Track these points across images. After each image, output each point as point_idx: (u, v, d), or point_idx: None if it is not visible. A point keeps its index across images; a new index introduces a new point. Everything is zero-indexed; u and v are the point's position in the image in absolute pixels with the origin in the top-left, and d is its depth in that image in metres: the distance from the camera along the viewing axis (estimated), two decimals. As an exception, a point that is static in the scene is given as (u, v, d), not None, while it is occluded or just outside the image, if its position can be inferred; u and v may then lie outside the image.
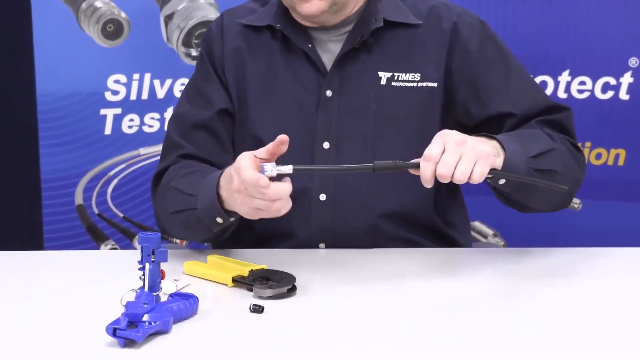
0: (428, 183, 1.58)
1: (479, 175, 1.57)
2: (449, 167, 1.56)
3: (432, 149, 1.57)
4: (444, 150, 1.57)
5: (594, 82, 2.60)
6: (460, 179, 1.56)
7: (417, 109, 1.87)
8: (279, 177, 1.56)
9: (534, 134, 1.80)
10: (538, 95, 1.92)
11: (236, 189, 1.59)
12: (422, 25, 1.89)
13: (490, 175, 1.63)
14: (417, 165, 1.58)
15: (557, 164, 1.76)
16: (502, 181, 1.68)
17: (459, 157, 1.57)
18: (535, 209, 1.83)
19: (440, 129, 1.62)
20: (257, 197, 1.56)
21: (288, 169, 1.55)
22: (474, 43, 1.89)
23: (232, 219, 1.72)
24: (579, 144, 1.91)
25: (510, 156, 1.66)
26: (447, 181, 1.57)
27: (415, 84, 1.87)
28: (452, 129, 1.61)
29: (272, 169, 1.54)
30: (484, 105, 1.88)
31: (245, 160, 1.56)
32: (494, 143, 1.67)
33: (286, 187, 1.56)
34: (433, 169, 1.56)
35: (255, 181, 1.53)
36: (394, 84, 1.87)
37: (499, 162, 1.64)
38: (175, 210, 1.82)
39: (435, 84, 1.88)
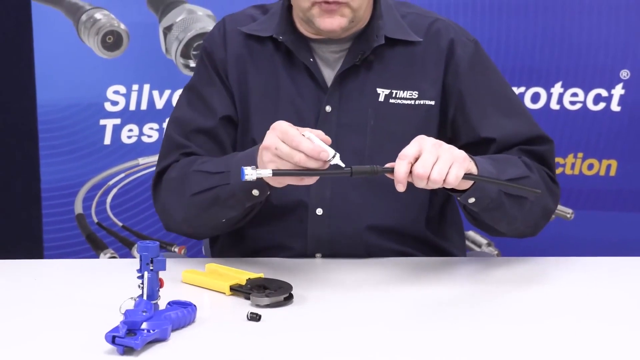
0: (401, 183, 1.56)
1: (455, 177, 1.57)
2: (426, 167, 1.55)
3: (408, 149, 1.58)
4: (420, 153, 1.57)
5: (586, 93, 2.60)
6: (436, 179, 1.55)
7: (414, 126, 1.84)
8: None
9: (511, 160, 1.80)
10: (523, 123, 1.90)
11: (265, 145, 1.60)
12: (421, 43, 1.88)
13: (466, 189, 1.64)
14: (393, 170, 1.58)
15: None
16: (471, 200, 1.69)
17: (436, 157, 1.57)
18: (503, 232, 1.84)
19: None
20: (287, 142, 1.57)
21: (267, 172, 1.55)
22: (465, 63, 1.88)
23: (268, 192, 1.71)
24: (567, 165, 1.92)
25: (482, 175, 1.66)
26: (423, 183, 1.56)
27: (412, 102, 1.87)
28: None
29: (251, 172, 1.54)
30: (469, 126, 1.87)
31: (281, 121, 1.61)
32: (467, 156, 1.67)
33: (314, 144, 1.56)
34: (407, 168, 1.56)
35: (288, 126, 1.58)
36: (391, 101, 1.87)
37: (474, 170, 1.64)
38: (198, 191, 1.77)
39: (432, 102, 1.87)
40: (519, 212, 1.77)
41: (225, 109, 1.89)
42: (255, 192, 1.70)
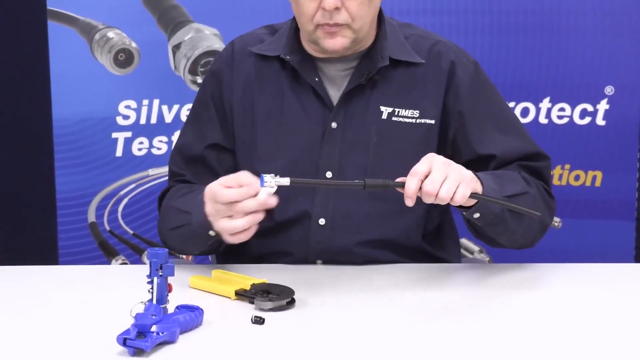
0: (411, 199, 1.57)
1: (461, 196, 1.58)
2: (435, 185, 1.57)
3: (419, 167, 1.59)
4: (430, 171, 1.58)
5: (573, 108, 2.61)
6: (444, 197, 1.57)
7: (415, 144, 1.84)
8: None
9: (511, 177, 1.80)
10: (522, 141, 1.90)
11: (208, 212, 1.67)
12: (423, 64, 1.87)
13: (471, 205, 1.65)
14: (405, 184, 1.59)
15: (528, 207, 1.75)
16: (476, 215, 1.69)
17: (444, 176, 1.58)
18: (503, 244, 1.84)
19: None
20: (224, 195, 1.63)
21: (286, 181, 1.56)
22: (465, 84, 1.87)
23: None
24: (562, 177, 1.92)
25: (486, 192, 1.66)
26: (431, 199, 1.57)
27: (414, 120, 1.86)
28: None
29: (270, 180, 1.55)
30: (469, 144, 1.87)
31: (215, 185, 1.66)
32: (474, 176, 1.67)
33: (238, 190, 1.62)
34: (417, 185, 1.57)
35: (213, 188, 1.65)
36: (394, 118, 1.86)
37: (480, 189, 1.65)
38: (173, 227, 1.83)
39: (433, 121, 1.87)
40: (519, 226, 1.78)
41: (214, 136, 1.92)
42: (211, 233, 1.72)
